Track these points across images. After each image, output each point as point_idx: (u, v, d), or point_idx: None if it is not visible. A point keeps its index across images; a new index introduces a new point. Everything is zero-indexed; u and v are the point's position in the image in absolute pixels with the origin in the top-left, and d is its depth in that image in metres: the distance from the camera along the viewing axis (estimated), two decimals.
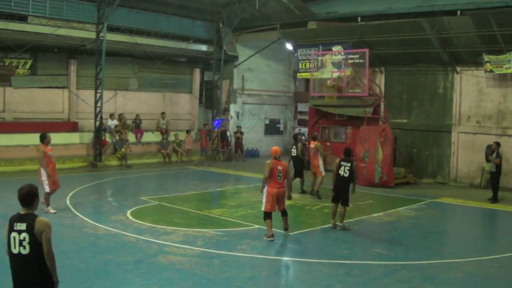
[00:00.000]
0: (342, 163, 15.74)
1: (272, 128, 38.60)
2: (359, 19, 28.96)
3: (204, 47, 35.02)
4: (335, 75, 28.37)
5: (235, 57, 35.93)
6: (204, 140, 32.11)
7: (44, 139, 17.14)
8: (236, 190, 23.59)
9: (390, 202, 20.92)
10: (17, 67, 30.16)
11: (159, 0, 31.01)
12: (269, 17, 32.92)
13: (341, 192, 15.68)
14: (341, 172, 15.63)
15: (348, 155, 16.06)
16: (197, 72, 37.83)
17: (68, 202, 18.81)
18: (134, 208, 17.86)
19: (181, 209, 18.34)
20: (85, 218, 16.24)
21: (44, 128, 27.56)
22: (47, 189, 16.42)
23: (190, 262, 11.85)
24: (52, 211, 16.43)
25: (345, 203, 15.70)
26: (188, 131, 33.53)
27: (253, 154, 35.64)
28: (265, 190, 14.37)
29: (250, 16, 33.47)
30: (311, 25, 31.09)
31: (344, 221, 15.73)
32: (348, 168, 15.57)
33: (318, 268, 11.73)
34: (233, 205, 19.34)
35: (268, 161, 14.43)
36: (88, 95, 30.77)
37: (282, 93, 39.29)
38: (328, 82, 28.44)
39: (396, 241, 14.81)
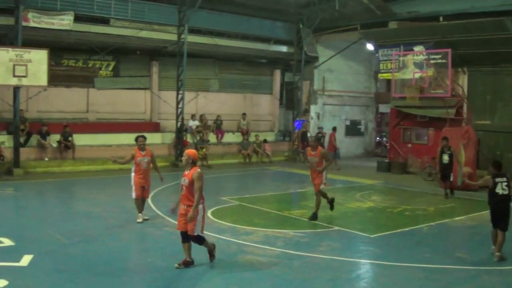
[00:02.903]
0: (497, 179, 13.02)
1: (353, 129, 38.33)
2: (441, 18, 28.42)
3: (284, 48, 35.06)
4: (417, 75, 27.97)
5: (316, 58, 35.80)
6: (330, 143, 31.53)
7: (136, 142, 16.20)
8: None
9: (473, 205, 20.41)
10: (100, 69, 30.93)
11: (239, 2, 31.18)
12: (349, 17, 32.68)
13: (501, 213, 12.95)
14: (498, 190, 12.91)
15: (499, 168, 13.38)
16: (277, 73, 37.92)
17: (149, 201, 19.09)
18: (215, 208, 17.96)
19: (261, 209, 18.37)
20: (167, 217, 16.44)
21: (126, 129, 28.32)
22: (133, 195, 16.06)
23: (270, 263, 11.85)
24: (138, 220, 15.87)
25: (505, 228, 12.89)
26: (265, 140, 33.62)
27: (334, 155, 35.42)
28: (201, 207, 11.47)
29: (330, 16, 33.29)
30: (392, 25, 30.74)
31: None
32: (506, 184, 12.97)
33: (398, 272, 11.58)
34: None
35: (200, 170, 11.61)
36: (169, 96, 31.23)
37: (363, 94, 38.97)
38: (411, 83, 28.09)
39: (478, 246, 14.40)
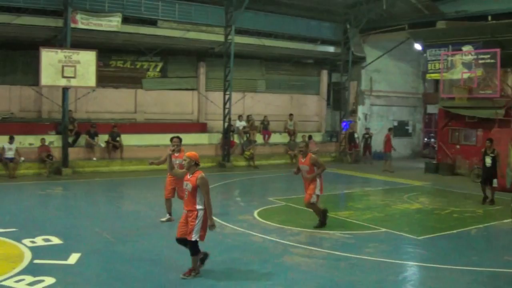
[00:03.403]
0: None
1: (400, 130, 37.97)
2: (489, 17, 28.02)
3: (331, 49, 34.92)
4: (466, 75, 27.60)
5: (363, 58, 35.62)
6: (387, 144, 30.82)
7: (170, 142, 15.81)
8: (364, 192, 23.35)
9: None
10: (148, 70, 31.25)
11: (286, 2, 31.15)
12: (397, 17, 32.41)
13: None
14: None
15: None
16: (324, 74, 37.80)
17: None
18: (261, 208, 17.98)
19: (307, 210, 18.27)
20: (213, 217, 16.49)
21: (173, 129, 28.37)
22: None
23: (316, 264, 11.79)
24: (163, 218, 15.81)
25: None
26: (310, 137, 33.54)
27: (381, 156, 35.15)
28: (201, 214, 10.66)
29: (377, 16, 33.08)
30: (440, 24, 30.38)
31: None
32: None
33: (445, 274, 11.41)
34: (360, 208, 19.13)
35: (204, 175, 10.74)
36: (217, 96, 31.36)
37: (410, 95, 38.60)
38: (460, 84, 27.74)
39: None
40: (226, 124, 30.16)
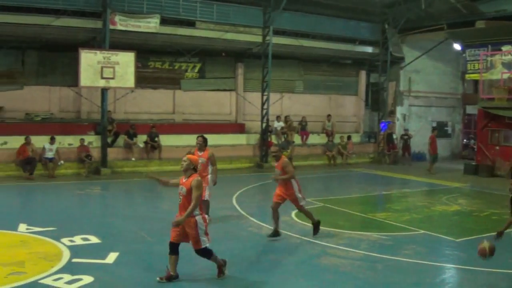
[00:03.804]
0: None
1: (439, 131, 37.46)
2: None
3: (369, 49, 34.71)
4: (505, 76, 27.26)
5: (401, 59, 35.33)
6: (431, 145, 30.33)
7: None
8: (402, 194, 23.17)
9: None
10: (186, 70, 31.42)
11: (324, 2, 31.02)
12: (436, 17, 32.08)
13: None
14: None
15: None
16: (363, 74, 37.61)
17: (234, 201, 19.24)
18: None
19: (345, 211, 18.24)
20: (251, 218, 16.53)
21: (211, 130, 28.59)
22: (207, 197, 15.17)
23: (353, 265, 11.74)
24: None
25: None
26: (349, 137, 33.41)
27: (419, 157, 34.87)
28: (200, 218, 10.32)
29: (416, 16, 32.74)
30: (480, 24, 29.96)
31: None
32: None
33: (482, 277, 11.26)
34: (398, 209, 18.99)
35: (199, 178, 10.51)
36: (255, 97, 31.39)
37: (449, 95, 38.18)
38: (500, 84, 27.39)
39: None
40: (264, 125, 30.17)
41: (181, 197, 10.22)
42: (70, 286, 9.78)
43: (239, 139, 31.20)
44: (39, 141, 24.86)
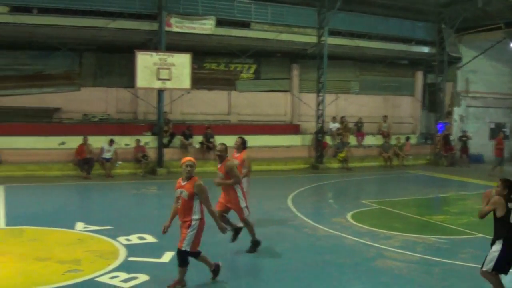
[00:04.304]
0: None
1: (497, 132, 36.95)
2: None
3: (426, 49, 34.28)
4: None
5: (459, 59, 34.77)
6: (497, 148, 29.66)
7: None
8: (459, 196, 22.77)
9: None
10: (241, 72, 31.54)
11: (379, 2, 30.78)
12: (493, 16, 31.44)
13: None
14: None
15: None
16: (419, 75, 37.18)
17: (289, 202, 19.20)
18: (354, 211, 17.81)
19: (401, 213, 18.05)
20: (306, 219, 16.48)
21: (266, 130, 28.64)
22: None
23: (409, 268, 11.60)
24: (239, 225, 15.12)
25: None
26: (407, 138, 33.07)
27: (477, 159, 34.28)
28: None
29: (472, 15, 32.16)
30: None
31: None
32: None
33: None
34: (456, 212, 18.71)
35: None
36: (310, 98, 31.28)
37: (508, 96, 37.41)
38: None
39: None
40: (319, 126, 30.07)
41: (180, 201, 9.83)
42: (126, 284, 9.90)
43: (294, 140, 31.17)
44: (96, 142, 25.24)
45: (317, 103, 30.09)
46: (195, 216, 9.81)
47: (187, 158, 10.24)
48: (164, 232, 9.94)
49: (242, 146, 14.49)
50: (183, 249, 9.73)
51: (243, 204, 12.54)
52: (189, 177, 9.87)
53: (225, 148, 12.41)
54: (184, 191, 9.75)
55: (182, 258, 9.85)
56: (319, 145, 30.00)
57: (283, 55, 32.56)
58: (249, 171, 14.72)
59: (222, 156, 12.28)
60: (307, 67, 32.53)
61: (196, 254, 10.01)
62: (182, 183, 9.87)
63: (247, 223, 12.65)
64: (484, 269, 9.42)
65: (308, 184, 23.97)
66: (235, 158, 14.17)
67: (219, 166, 12.35)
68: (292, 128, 32.55)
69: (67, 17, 24.88)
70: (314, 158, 30.19)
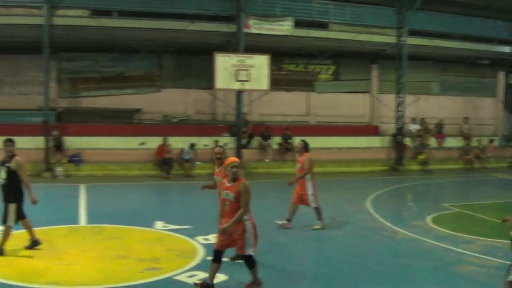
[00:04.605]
0: None
1: None
2: None
3: (508, 49, 33.50)
4: None
5: None
6: None
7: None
8: None
9: None
10: (319, 73, 31.42)
11: (460, 1, 30.26)
12: None
13: None
14: None
15: None
16: (501, 75, 36.42)
17: (368, 204, 19.03)
18: (434, 214, 17.50)
19: (482, 217, 17.65)
20: (385, 222, 16.29)
21: (345, 132, 28.50)
22: (313, 203, 14.96)
23: (489, 274, 11.33)
24: (317, 226, 15.04)
25: None
26: (491, 140, 32.37)
27: None
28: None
29: None
30: None
31: None
32: None
33: None
34: None
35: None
36: (389, 99, 30.96)
37: None
38: None
39: None
40: (398, 127, 29.72)
41: (227, 203, 9.57)
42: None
43: (373, 141, 30.91)
44: (176, 142, 25.63)
45: (397, 104, 29.76)
46: (244, 217, 9.61)
47: (232, 159, 9.94)
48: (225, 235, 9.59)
49: (304, 149, 14.84)
50: (247, 254, 9.62)
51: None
52: (234, 179, 9.59)
53: (223, 150, 11.87)
54: (230, 193, 9.51)
55: (249, 262, 9.77)
56: (398, 146, 29.65)
57: (362, 55, 32.35)
58: (313, 174, 14.88)
59: (221, 158, 11.45)
60: (386, 68, 32.25)
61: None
62: (228, 185, 9.62)
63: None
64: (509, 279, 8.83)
65: (387, 187, 23.70)
66: (298, 162, 14.68)
67: (217, 170, 11.55)
68: (371, 130, 32.35)
69: (146, 20, 25.34)
70: (394, 160, 29.84)
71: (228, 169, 9.67)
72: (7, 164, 11.30)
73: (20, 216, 11.52)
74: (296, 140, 27.53)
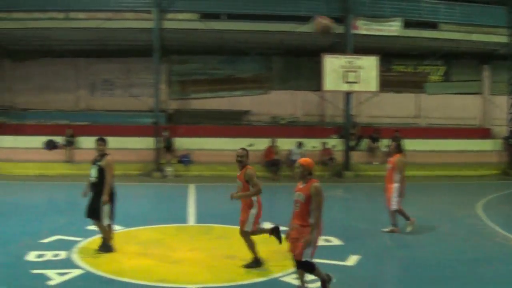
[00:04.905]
0: None
1: None
2: None
3: None
4: None
5: None
6: None
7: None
8: None
9: None
10: (429, 74, 30.85)
11: None
12: None
13: None
14: None
15: None
16: None
17: (479, 210, 18.49)
18: None
19: None
20: (497, 228, 15.77)
21: (455, 134, 27.79)
22: (395, 206, 14.40)
23: None
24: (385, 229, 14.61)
25: None
26: None
27: None
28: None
29: None
30: None
31: None
32: None
33: None
34: None
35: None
36: (502, 101, 30.10)
37: None
38: None
39: None
40: (511, 130, 28.81)
41: (298, 204, 9.19)
42: (310, 285, 9.83)
43: (484, 144, 29.96)
44: (284, 144, 25.73)
45: (510, 105, 28.85)
46: (312, 220, 9.23)
47: (303, 160, 9.51)
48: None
49: (395, 150, 14.57)
50: (303, 259, 9.05)
51: (250, 219, 11.05)
52: (306, 180, 9.24)
53: (246, 152, 11.16)
54: (302, 194, 9.15)
55: (309, 267, 9.24)
56: (511, 150, 28.70)
57: (473, 56, 31.55)
58: (403, 176, 14.27)
59: (242, 161, 10.96)
60: (498, 68, 31.36)
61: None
62: (300, 186, 9.26)
63: (244, 236, 11.12)
64: None
65: (499, 191, 23.01)
66: (388, 163, 14.41)
67: (238, 173, 11.02)
68: (483, 132, 31.47)
69: (255, 22, 25.56)
70: (506, 164, 28.89)
71: (295, 170, 9.44)
72: (98, 163, 11.57)
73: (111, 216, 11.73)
74: (406, 143, 27.25)
